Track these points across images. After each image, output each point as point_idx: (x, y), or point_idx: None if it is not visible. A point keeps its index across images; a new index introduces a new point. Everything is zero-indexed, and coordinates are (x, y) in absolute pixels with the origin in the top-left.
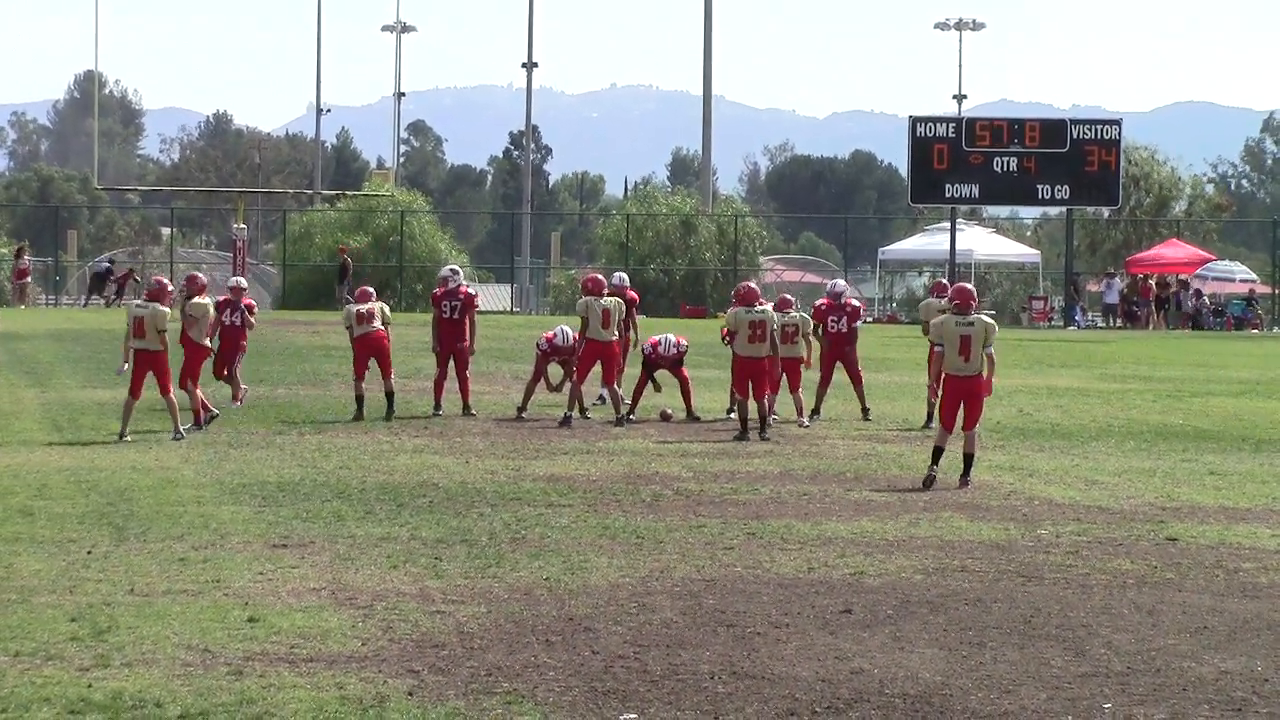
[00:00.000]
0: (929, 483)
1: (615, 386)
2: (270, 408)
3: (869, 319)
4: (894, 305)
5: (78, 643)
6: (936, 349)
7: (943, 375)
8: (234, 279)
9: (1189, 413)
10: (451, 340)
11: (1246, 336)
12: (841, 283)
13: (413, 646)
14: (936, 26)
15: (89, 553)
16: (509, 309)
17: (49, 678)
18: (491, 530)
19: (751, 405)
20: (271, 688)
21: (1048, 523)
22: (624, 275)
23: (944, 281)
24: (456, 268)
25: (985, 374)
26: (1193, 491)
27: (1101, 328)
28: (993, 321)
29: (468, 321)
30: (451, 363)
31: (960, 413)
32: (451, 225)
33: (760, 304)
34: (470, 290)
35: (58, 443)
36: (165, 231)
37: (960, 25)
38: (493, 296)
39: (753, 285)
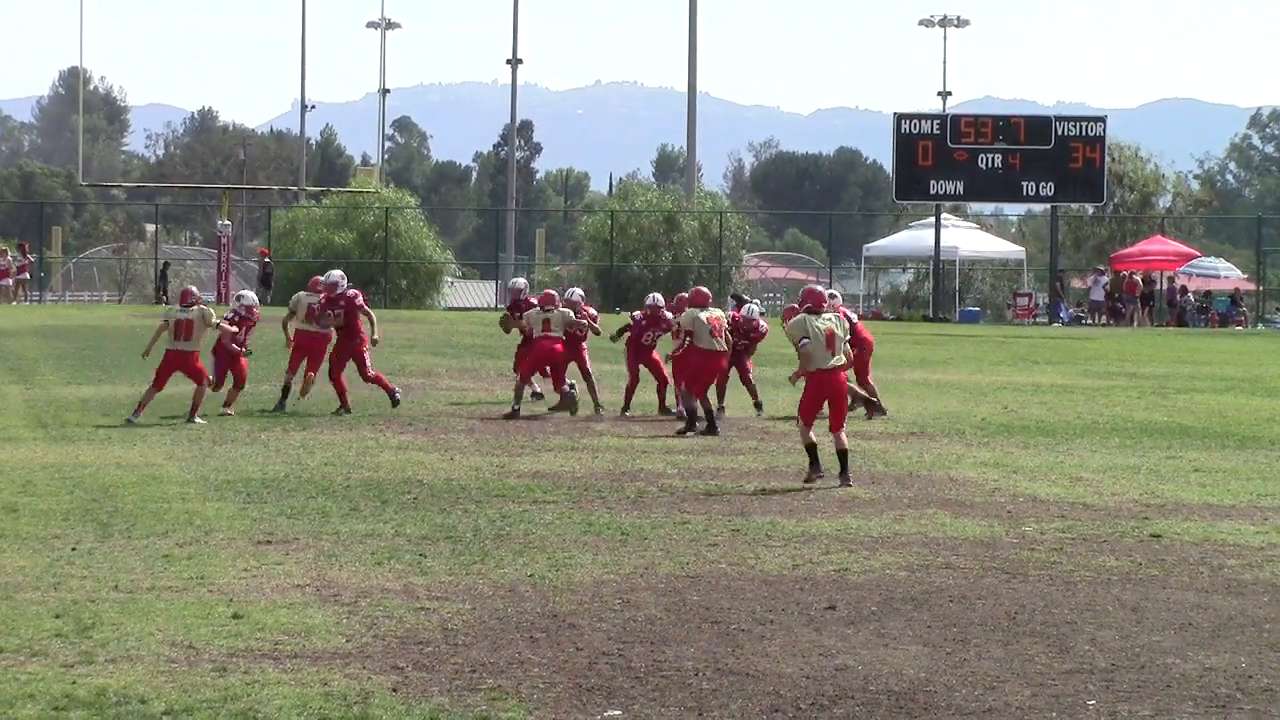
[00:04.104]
0: (813, 479)
1: (569, 385)
2: (255, 404)
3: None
4: (878, 302)
5: (62, 639)
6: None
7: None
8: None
9: (1173, 409)
10: (326, 345)
11: (1231, 333)
12: (756, 306)
13: (397, 643)
14: (921, 23)
15: (73, 549)
16: (494, 305)
17: (33, 674)
18: (476, 527)
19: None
20: (256, 684)
21: (1032, 519)
22: (579, 290)
23: (815, 288)
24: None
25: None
26: (1177, 488)
27: (1086, 324)
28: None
29: (359, 323)
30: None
31: (827, 410)
32: (436, 222)
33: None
34: (351, 293)
35: (42, 439)
36: (150, 228)
37: (945, 22)
38: (478, 293)
39: (703, 289)
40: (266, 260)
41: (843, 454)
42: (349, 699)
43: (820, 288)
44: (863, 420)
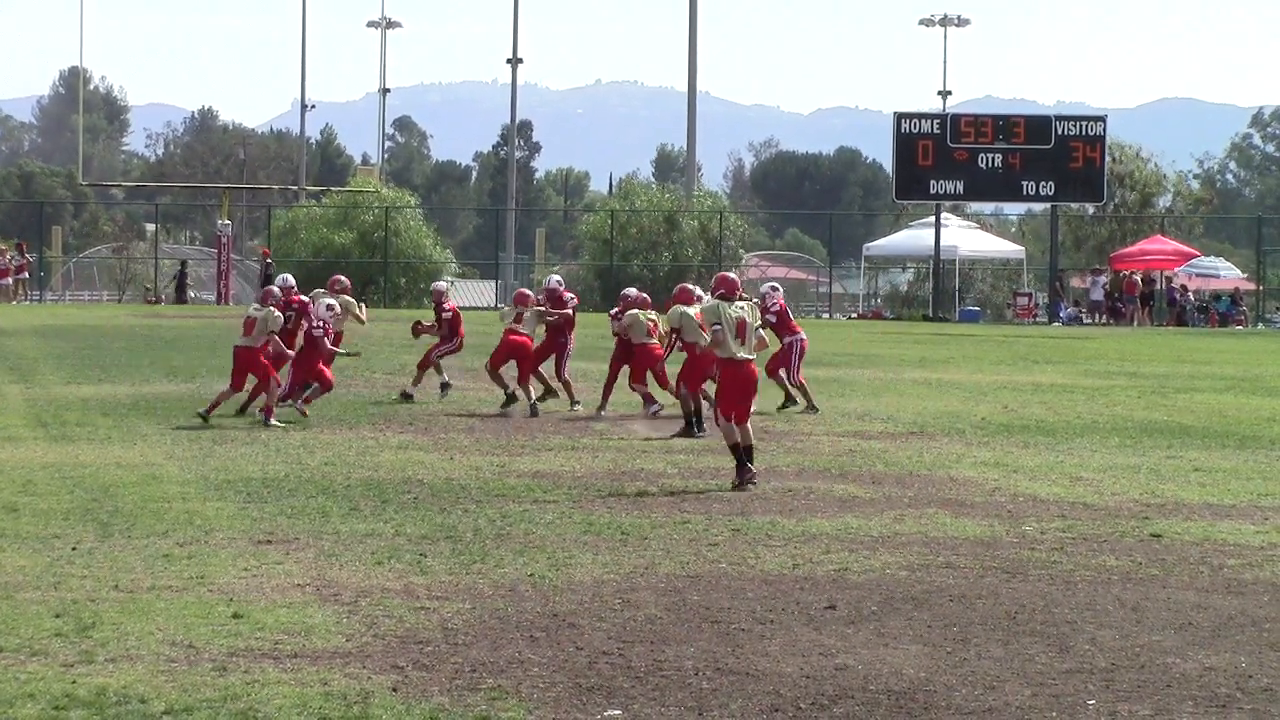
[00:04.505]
0: (745, 484)
1: (529, 384)
2: (255, 403)
3: (853, 314)
4: (878, 301)
5: (62, 639)
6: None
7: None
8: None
9: (1173, 409)
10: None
11: (1231, 333)
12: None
13: (397, 643)
14: (921, 23)
15: (73, 549)
16: (494, 305)
17: (33, 674)
18: (476, 526)
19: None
20: (256, 684)
21: (1032, 519)
22: (556, 277)
23: (729, 275)
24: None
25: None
26: (1177, 488)
27: (1086, 324)
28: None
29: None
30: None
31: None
32: (436, 221)
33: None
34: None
35: (42, 439)
36: (150, 227)
37: (945, 21)
38: (477, 292)
39: (688, 286)
40: (268, 261)
41: (747, 449)
42: (349, 698)
43: (734, 275)
44: (798, 412)
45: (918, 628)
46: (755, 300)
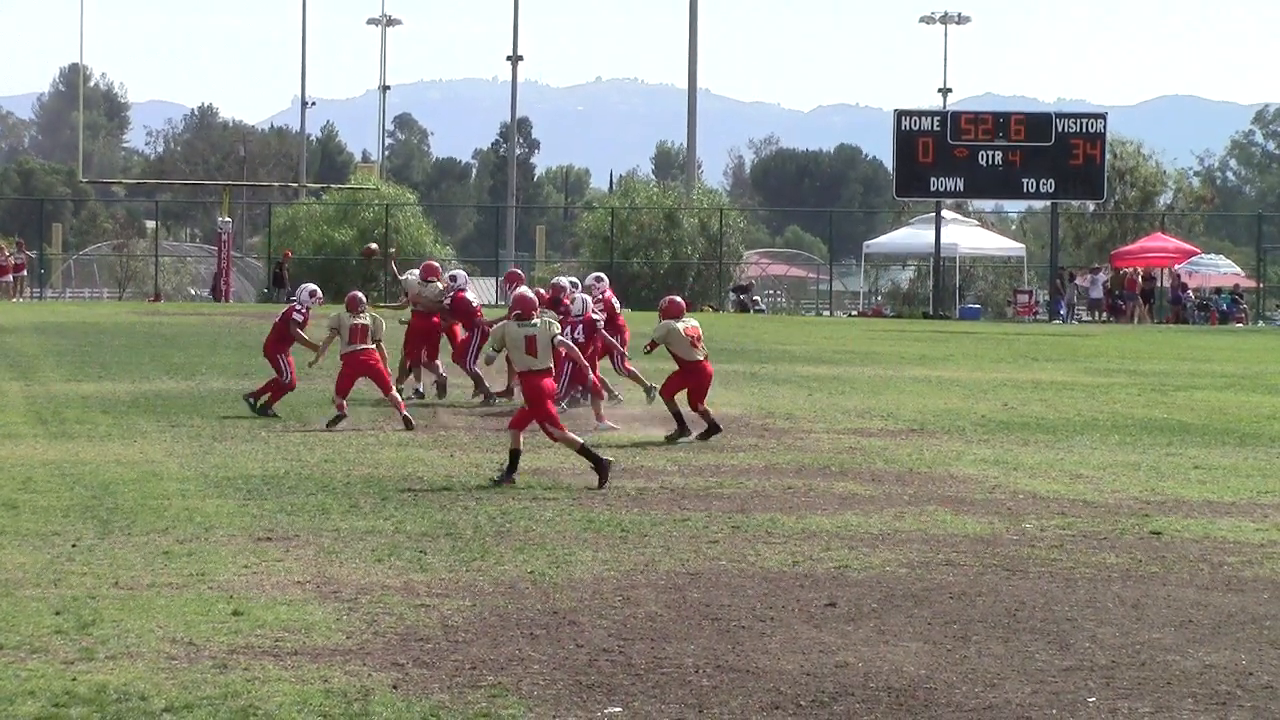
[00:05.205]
0: (505, 481)
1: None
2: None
3: (853, 312)
4: (879, 299)
5: (62, 636)
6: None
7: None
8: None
9: (1173, 406)
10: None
11: (1231, 330)
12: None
13: (397, 640)
14: (922, 20)
15: (73, 546)
16: (494, 302)
17: (33, 671)
18: (476, 524)
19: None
20: (256, 681)
21: (1032, 516)
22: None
23: (526, 293)
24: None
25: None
26: (1177, 485)
27: (1086, 321)
28: (553, 319)
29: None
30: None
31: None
32: (436, 219)
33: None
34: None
35: (42, 436)
36: (150, 224)
37: (945, 19)
38: (477, 289)
39: (677, 299)
40: (283, 261)
41: (513, 453)
42: (349, 696)
43: (527, 291)
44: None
45: (918, 625)
46: (608, 299)
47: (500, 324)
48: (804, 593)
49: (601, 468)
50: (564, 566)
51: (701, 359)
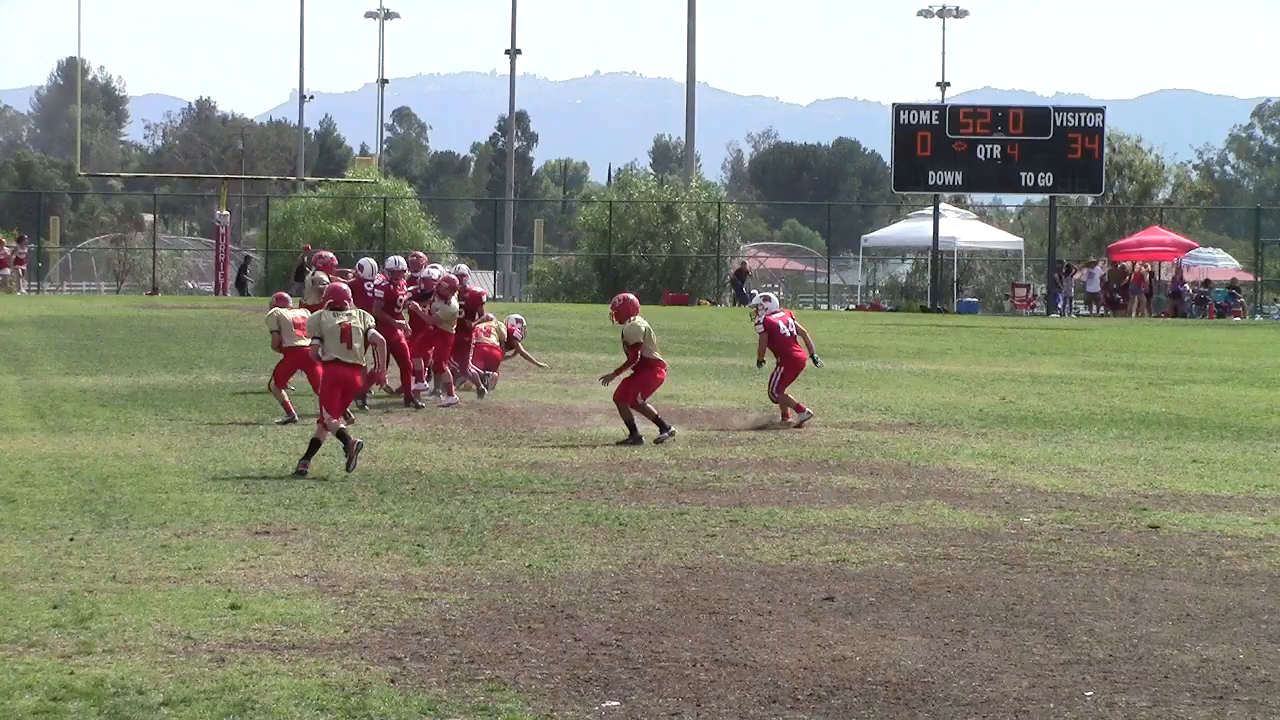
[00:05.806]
0: (302, 473)
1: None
2: (253, 394)
3: (851, 306)
4: (876, 292)
5: (60, 630)
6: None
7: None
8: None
9: (1171, 400)
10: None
11: (1229, 324)
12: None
13: (395, 634)
14: (920, 14)
15: (71, 540)
16: (492, 296)
17: (31, 665)
18: (474, 517)
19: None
20: (254, 675)
21: (1030, 510)
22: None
23: (629, 296)
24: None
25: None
26: (1175, 479)
27: (1084, 315)
28: (365, 311)
29: None
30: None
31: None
32: (434, 212)
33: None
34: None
35: (40, 430)
36: (148, 218)
37: (944, 12)
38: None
39: (631, 297)
40: (302, 255)
41: (341, 434)
42: (347, 689)
43: (344, 285)
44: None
45: (916, 619)
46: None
47: (315, 314)
48: (802, 586)
49: (349, 448)
50: (562, 560)
51: (659, 358)
